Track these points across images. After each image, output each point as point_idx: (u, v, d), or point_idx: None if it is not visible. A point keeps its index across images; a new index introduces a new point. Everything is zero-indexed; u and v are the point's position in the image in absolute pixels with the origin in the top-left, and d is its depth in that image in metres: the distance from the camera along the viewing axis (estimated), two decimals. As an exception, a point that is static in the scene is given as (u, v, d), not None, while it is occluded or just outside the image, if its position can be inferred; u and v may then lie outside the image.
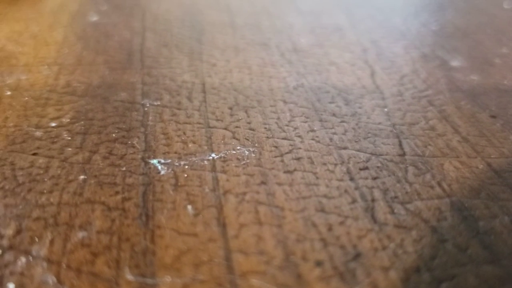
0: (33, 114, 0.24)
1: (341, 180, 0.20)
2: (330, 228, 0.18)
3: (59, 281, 0.15)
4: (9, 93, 0.26)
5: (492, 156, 0.22)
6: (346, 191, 0.20)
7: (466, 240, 0.18)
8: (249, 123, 0.24)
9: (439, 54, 0.33)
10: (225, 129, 0.24)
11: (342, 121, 0.24)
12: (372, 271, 0.16)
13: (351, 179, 0.20)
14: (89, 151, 0.22)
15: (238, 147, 0.22)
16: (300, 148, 0.22)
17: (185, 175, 0.20)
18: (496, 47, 0.34)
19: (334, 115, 0.25)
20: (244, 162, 0.21)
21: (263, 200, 0.19)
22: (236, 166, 0.21)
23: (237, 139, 0.23)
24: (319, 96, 0.27)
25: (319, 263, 0.16)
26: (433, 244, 0.17)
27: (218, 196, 0.19)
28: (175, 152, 0.22)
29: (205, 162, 0.21)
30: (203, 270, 0.16)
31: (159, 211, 0.18)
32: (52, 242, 0.17)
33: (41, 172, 0.20)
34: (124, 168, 0.21)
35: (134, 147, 0.22)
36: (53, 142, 0.22)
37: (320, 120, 0.24)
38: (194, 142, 0.22)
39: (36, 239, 0.17)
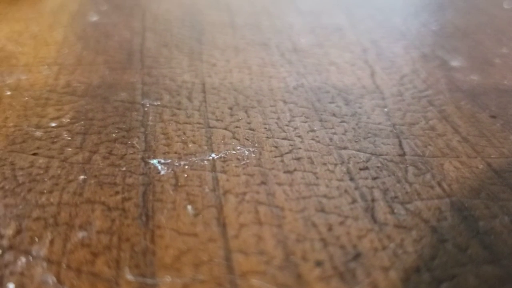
0: (33, 114, 0.24)
1: (341, 180, 0.20)
2: (330, 228, 0.18)
3: (59, 281, 0.15)
4: (9, 93, 0.26)
5: (492, 156, 0.22)
6: (346, 191, 0.20)
7: (466, 240, 0.18)
8: (249, 123, 0.24)
9: (439, 54, 0.33)
10: (225, 129, 0.24)
11: (342, 121, 0.24)
12: (372, 271, 0.16)
13: (351, 179, 0.20)
14: (89, 151, 0.22)
15: (238, 147, 0.22)
16: (300, 148, 0.22)
17: (185, 175, 0.20)
18: (496, 47, 0.34)
19: (334, 115, 0.25)
20: (244, 162, 0.21)
21: (263, 200, 0.19)
22: (236, 166, 0.21)
23: (237, 139, 0.23)
24: (319, 96, 0.27)
25: (319, 263, 0.16)
26: (433, 244, 0.17)
27: (218, 196, 0.19)
28: (175, 152, 0.22)
29: (205, 162, 0.21)
30: (203, 270, 0.16)
31: (159, 211, 0.18)
32: (52, 242, 0.17)
33: (41, 172, 0.20)
34: (124, 168, 0.21)
35: (134, 147, 0.22)
36: (53, 142, 0.22)
37: (320, 120, 0.24)
38: (194, 142, 0.22)
39: (36, 239, 0.17)
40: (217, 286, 0.16)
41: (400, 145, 0.23)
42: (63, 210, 0.18)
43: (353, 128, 0.24)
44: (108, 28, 0.35)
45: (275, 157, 0.22)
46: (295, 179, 0.20)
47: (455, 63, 0.31)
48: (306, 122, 0.24)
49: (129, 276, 0.16)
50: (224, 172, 0.21)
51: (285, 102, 0.26)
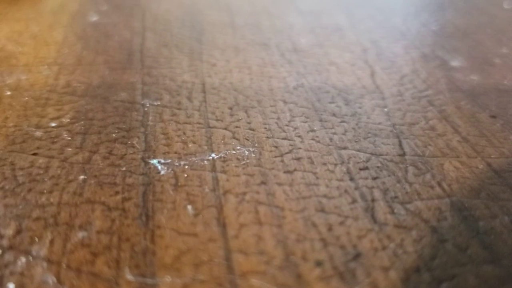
0: (33, 114, 0.24)
1: (341, 180, 0.20)
2: (330, 228, 0.18)
3: (59, 281, 0.15)
4: (9, 93, 0.26)
5: (492, 156, 0.22)
6: (346, 191, 0.20)
7: (466, 240, 0.18)
8: (249, 123, 0.24)
9: (439, 54, 0.33)
10: (225, 129, 0.24)
11: (342, 121, 0.24)
12: (372, 271, 0.16)
13: (351, 179, 0.20)
14: (89, 151, 0.22)
15: (238, 147, 0.22)
16: (300, 148, 0.22)
17: (185, 175, 0.20)
18: (496, 47, 0.34)
19: (334, 115, 0.25)
20: (244, 162, 0.21)
21: (263, 200, 0.19)
22: (236, 166, 0.21)
23: (237, 139, 0.23)
24: (319, 96, 0.27)
25: (319, 263, 0.16)
26: (433, 244, 0.17)
27: (218, 196, 0.19)
28: (175, 152, 0.22)
29: (205, 162, 0.21)
30: (203, 270, 0.16)
31: (159, 211, 0.18)
32: (52, 242, 0.17)
33: (41, 172, 0.20)
34: (124, 168, 0.21)
35: (134, 147, 0.22)
36: (53, 142, 0.22)
37: (320, 120, 0.24)
38: (194, 142, 0.22)
39: (36, 239, 0.17)
40: (217, 286, 0.16)
41: (400, 145, 0.23)
42: (63, 210, 0.18)
43: (353, 128, 0.24)
44: (108, 28, 0.35)
45: (275, 157, 0.22)
46: (295, 179, 0.20)
47: (455, 63, 0.31)
48: (306, 122, 0.24)
49: (129, 276, 0.16)
50: (224, 172, 0.21)
51: (285, 102, 0.26)
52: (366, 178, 0.20)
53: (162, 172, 0.20)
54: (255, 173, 0.21)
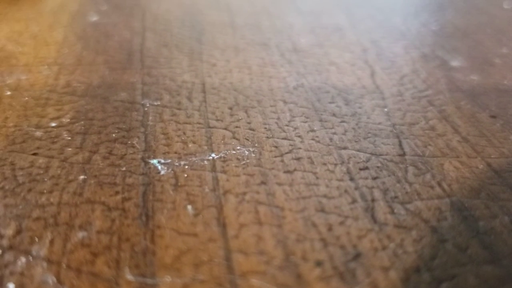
0: (33, 114, 0.24)
1: (341, 180, 0.20)
2: (330, 228, 0.18)
3: (59, 281, 0.15)
4: (9, 93, 0.26)
5: (492, 156, 0.22)
6: (346, 191, 0.20)
7: (466, 240, 0.18)
8: (249, 123, 0.24)
9: (439, 54, 0.33)
10: (225, 129, 0.24)
11: (342, 121, 0.24)
12: (372, 271, 0.16)
13: (351, 179, 0.20)
14: (89, 151, 0.22)
15: (238, 147, 0.22)
16: (300, 148, 0.22)
17: (185, 175, 0.20)
18: (496, 47, 0.34)
19: (334, 115, 0.25)
20: (244, 162, 0.21)
21: (263, 200, 0.19)
22: (236, 166, 0.21)
23: (237, 139, 0.23)
24: (319, 96, 0.27)
25: (319, 263, 0.16)
26: (433, 244, 0.17)
27: (218, 196, 0.19)
28: (175, 152, 0.22)
29: (205, 162, 0.21)
30: (203, 270, 0.16)
31: (159, 211, 0.18)
32: (52, 242, 0.17)
33: (41, 172, 0.20)
34: (124, 168, 0.21)
35: (134, 147, 0.22)
36: (53, 142, 0.22)
37: (320, 120, 0.24)
38: (194, 142, 0.22)
39: (36, 239, 0.17)
40: (217, 286, 0.16)
41: (400, 145, 0.23)
42: (63, 210, 0.18)
43: (353, 128, 0.24)
44: (108, 28, 0.35)
45: (275, 157, 0.22)
46: (295, 179, 0.20)
47: (455, 63, 0.31)
48: (306, 122, 0.24)
49: (129, 276, 0.16)
50: (224, 172, 0.21)
51: (285, 102, 0.26)
52: (366, 178, 0.20)
53: (162, 172, 0.20)
54: (255, 173, 0.21)
